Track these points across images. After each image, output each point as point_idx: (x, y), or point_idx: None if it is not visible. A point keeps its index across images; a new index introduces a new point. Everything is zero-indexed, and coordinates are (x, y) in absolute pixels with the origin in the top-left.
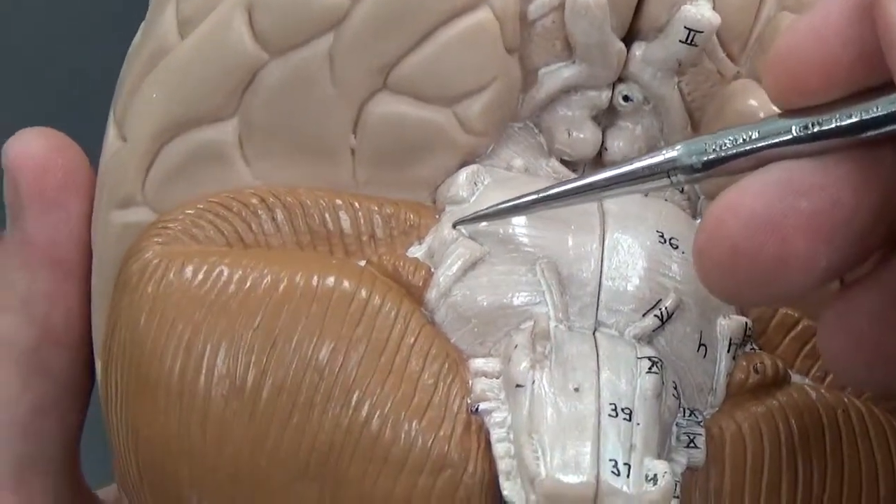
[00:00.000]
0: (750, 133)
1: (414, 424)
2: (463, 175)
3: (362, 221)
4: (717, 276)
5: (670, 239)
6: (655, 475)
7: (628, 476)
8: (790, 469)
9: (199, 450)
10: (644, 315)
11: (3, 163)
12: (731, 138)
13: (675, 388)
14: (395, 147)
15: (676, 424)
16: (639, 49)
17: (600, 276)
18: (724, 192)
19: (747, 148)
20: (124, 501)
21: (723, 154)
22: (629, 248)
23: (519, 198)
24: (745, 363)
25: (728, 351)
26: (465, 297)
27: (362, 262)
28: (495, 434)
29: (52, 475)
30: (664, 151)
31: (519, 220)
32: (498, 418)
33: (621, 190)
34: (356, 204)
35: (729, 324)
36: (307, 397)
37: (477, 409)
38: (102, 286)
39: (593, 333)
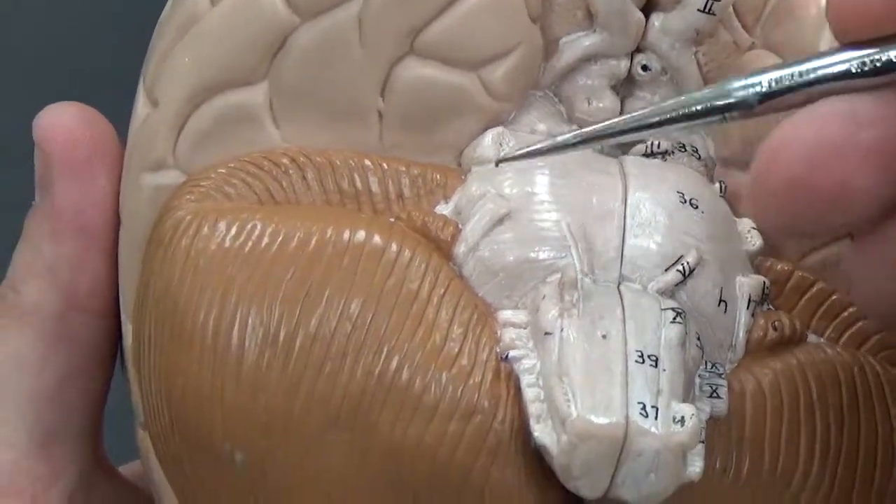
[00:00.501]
0: (809, 66)
1: (444, 374)
2: (489, 136)
3: (390, 181)
4: (774, 207)
5: (690, 199)
6: (683, 417)
7: (656, 418)
8: (808, 423)
9: (232, 400)
10: (666, 270)
11: (34, 134)
12: (788, 74)
13: (698, 338)
14: (422, 110)
15: (699, 376)
16: (657, 19)
17: (623, 233)
18: (780, 125)
19: (807, 79)
20: (148, 470)
21: (780, 87)
22: (651, 207)
23: (565, 134)
24: (763, 321)
25: (747, 308)
26: (493, 252)
27: (391, 219)
28: (525, 380)
29: (75, 444)
30: (719, 85)
31: (543, 179)
32: (527, 364)
33: (671, 127)
34: (384, 165)
35: (748, 282)
36: (339, 347)
37: (507, 356)
38: (132, 249)
39: (617, 287)
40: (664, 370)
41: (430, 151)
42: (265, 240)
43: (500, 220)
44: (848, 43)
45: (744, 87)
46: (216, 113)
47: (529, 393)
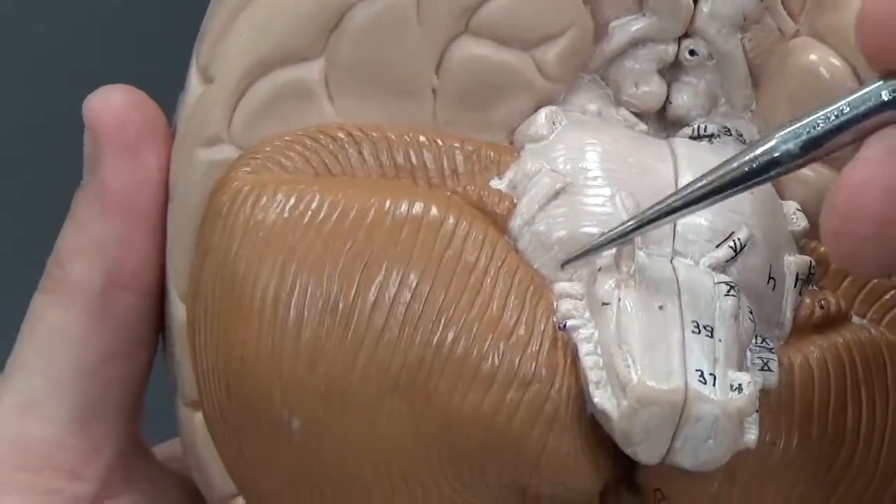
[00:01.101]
0: (840, 107)
1: (501, 343)
2: (542, 114)
3: (445, 157)
4: (867, 252)
5: None
6: (741, 384)
7: (714, 384)
8: (855, 399)
9: (291, 368)
10: (718, 246)
11: (84, 116)
12: (823, 116)
13: (751, 312)
14: (476, 88)
15: (750, 349)
16: (706, 4)
17: None
18: (845, 170)
19: (843, 121)
20: (192, 450)
21: (818, 133)
22: None
23: (619, 227)
24: (809, 300)
25: (794, 286)
26: (548, 226)
27: (447, 193)
28: (583, 348)
29: (115, 422)
30: (759, 146)
31: (595, 156)
32: (585, 334)
33: (722, 196)
34: (438, 141)
35: (795, 261)
36: (398, 316)
37: (565, 325)
38: (184, 225)
39: (671, 261)
40: (720, 340)
41: (483, 129)
42: (324, 211)
43: (556, 195)
44: (884, 72)
45: (783, 139)
46: (272, 88)
47: (588, 360)
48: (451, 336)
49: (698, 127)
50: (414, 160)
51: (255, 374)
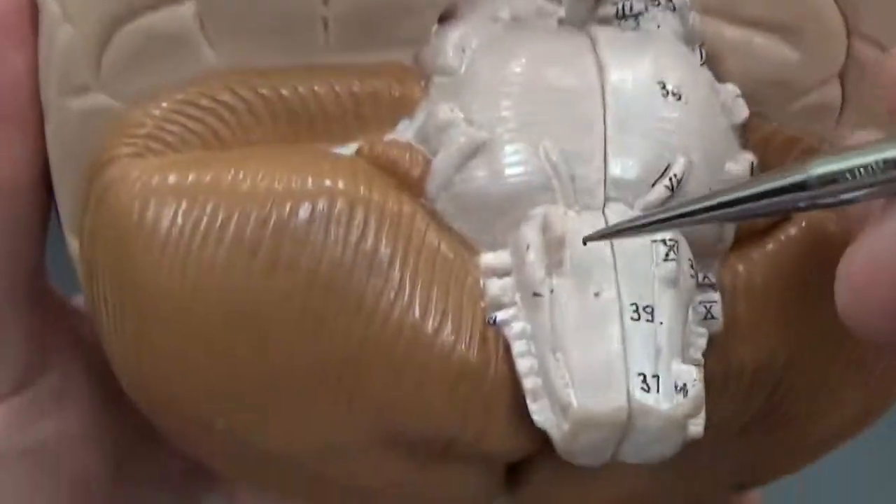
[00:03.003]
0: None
1: (430, 337)
2: (450, 43)
3: (346, 102)
4: (888, 327)
5: (672, 89)
6: (685, 385)
7: (658, 390)
8: (804, 294)
9: (206, 376)
10: (653, 185)
11: None
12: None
13: (691, 265)
14: (370, 10)
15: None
16: None
17: (605, 147)
18: (859, 240)
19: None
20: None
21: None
22: (631, 111)
23: (641, 218)
24: None
25: None
26: (468, 189)
27: (352, 149)
28: (516, 347)
29: (13, 319)
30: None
31: (513, 93)
32: (517, 329)
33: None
34: (336, 87)
35: (736, 168)
36: (317, 314)
37: (495, 320)
38: (65, 169)
39: (603, 212)
40: (661, 323)
41: (383, 51)
42: (220, 217)
43: (473, 154)
44: None
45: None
46: (141, 35)
47: (522, 365)
48: (375, 330)
49: (622, 6)
50: (313, 109)
51: (166, 382)
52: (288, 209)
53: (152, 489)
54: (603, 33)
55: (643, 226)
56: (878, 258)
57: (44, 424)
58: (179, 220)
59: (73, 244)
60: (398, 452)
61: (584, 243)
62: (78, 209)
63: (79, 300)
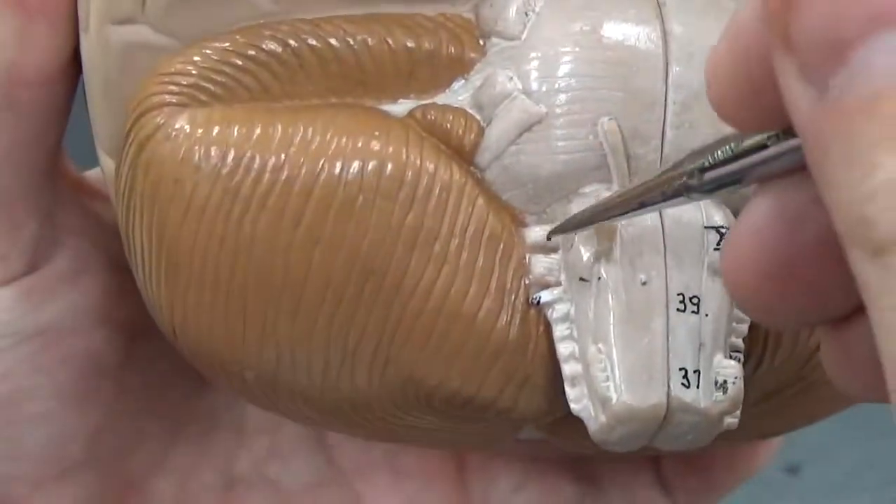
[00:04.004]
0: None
1: (471, 319)
2: (513, 9)
3: (399, 58)
4: (752, 303)
5: None
6: (725, 381)
7: (698, 386)
8: None
9: (241, 342)
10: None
11: None
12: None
13: None
14: None
15: None
16: None
17: (664, 127)
18: (734, 226)
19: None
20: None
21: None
22: (693, 88)
23: (603, 203)
24: None
25: None
26: (520, 162)
27: (404, 106)
28: (558, 331)
29: (31, 198)
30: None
31: (574, 68)
32: (560, 311)
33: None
34: (390, 41)
35: None
36: (357, 284)
37: (539, 301)
38: (101, 96)
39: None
40: (706, 315)
41: (445, 4)
42: (265, 179)
43: (528, 128)
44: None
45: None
46: None
47: (563, 349)
48: (414, 309)
49: None
50: (365, 63)
51: (197, 339)
52: (336, 174)
53: (163, 376)
54: None
55: (605, 212)
56: (739, 247)
57: (56, 304)
58: (221, 181)
59: (107, 162)
60: (428, 410)
61: (549, 238)
62: (115, 134)
63: (94, 175)
